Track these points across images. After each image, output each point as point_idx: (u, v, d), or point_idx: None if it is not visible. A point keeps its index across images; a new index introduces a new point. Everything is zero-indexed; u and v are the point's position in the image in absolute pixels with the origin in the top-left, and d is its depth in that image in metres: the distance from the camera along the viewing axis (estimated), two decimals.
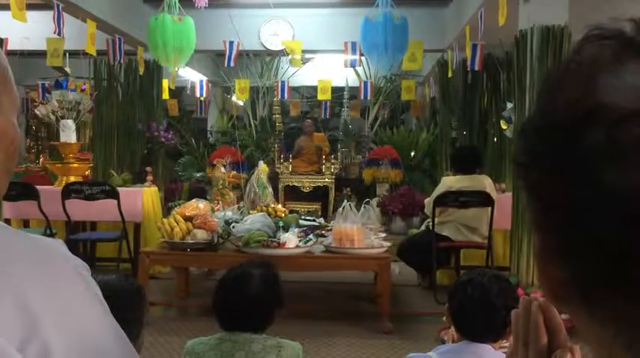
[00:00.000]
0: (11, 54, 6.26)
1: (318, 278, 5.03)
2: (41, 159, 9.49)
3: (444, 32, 7.32)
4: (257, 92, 10.41)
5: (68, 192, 4.82)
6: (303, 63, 8.29)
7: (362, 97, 8.48)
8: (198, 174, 9.04)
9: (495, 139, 6.54)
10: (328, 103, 9.32)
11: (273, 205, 4.57)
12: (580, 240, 0.37)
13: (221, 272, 2.13)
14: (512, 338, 0.56)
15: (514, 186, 4.59)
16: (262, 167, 4.98)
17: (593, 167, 0.35)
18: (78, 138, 5.77)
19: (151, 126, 6.76)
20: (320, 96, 8.20)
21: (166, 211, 5.46)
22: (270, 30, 7.63)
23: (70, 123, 5.51)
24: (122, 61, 6.66)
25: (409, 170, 8.50)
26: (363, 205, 4.38)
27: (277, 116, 8.91)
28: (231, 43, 6.81)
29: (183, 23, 5.52)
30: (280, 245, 3.79)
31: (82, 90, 6.19)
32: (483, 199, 4.57)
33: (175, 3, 5.50)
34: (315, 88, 8.44)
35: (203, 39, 6.18)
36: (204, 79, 9.31)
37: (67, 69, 6.23)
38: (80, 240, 5.27)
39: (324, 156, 8.48)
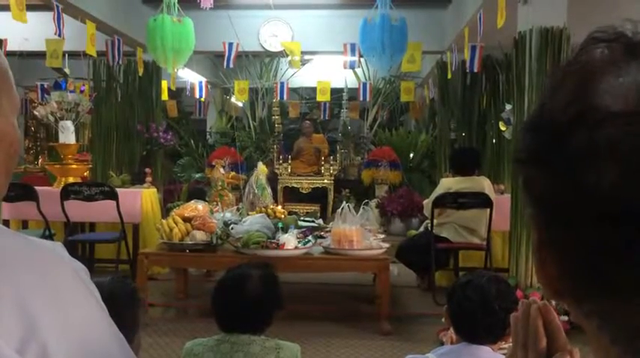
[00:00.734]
0: (10, 54, 6.25)
1: (317, 279, 5.03)
2: (40, 160, 9.50)
3: (443, 34, 7.33)
4: (256, 93, 10.42)
5: (67, 193, 4.81)
6: (303, 64, 8.29)
7: (361, 99, 8.48)
8: (197, 175, 9.03)
9: (494, 141, 6.55)
10: (327, 104, 9.32)
11: (272, 206, 4.57)
12: (565, 237, 0.39)
13: (220, 274, 2.14)
14: (512, 341, 0.57)
15: (513, 188, 4.60)
16: (261, 168, 4.98)
17: (575, 167, 0.37)
18: (77, 139, 5.77)
19: (150, 127, 6.76)
20: (319, 98, 8.20)
21: (165, 212, 5.46)
22: (269, 31, 7.63)
23: (69, 124, 5.51)
24: (121, 62, 6.66)
25: (408, 171, 8.51)
26: (362, 206, 4.37)
27: (276, 117, 8.91)
28: (230, 44, 6.81)
29: (183, 24, 5.52)
30: (279, 246, 3.79)
31: (81, 91, 6.19)
32: (482, 201, 4.58)
33: (174, 4, 5.50)
34: (314, 89, 8.45)
35: (202, 40, 6.18)
36: (204, 80, 9.31)
37: (66, 70, 6.22)
38: (79, 241, 5.27)
39: (323, 158, 8.48)
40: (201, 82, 8.94)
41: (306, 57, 8.54)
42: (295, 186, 8.31)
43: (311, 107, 11.07)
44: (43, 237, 4.62)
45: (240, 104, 10.27)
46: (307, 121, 9.41)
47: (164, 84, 7.37)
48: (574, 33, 4.11)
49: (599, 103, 0.36)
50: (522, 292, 4.00)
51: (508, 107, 5.22)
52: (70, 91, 5.74)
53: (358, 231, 3.91)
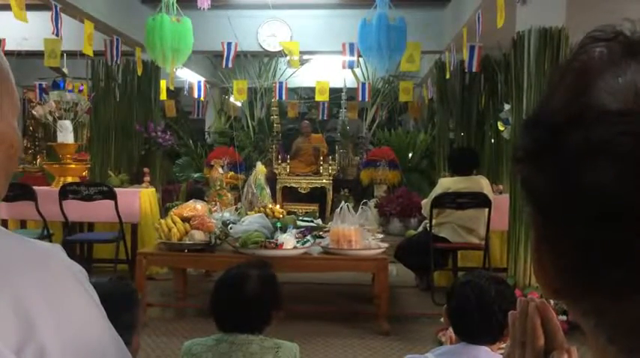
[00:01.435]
0: (9, 54, 6.24)
1: (316, 279, 5.03)
2: (38, 160, 9.48)
3: (441, 34, 7.33)
4: (255, 93, 10.42)
5: (65, 192, 4.81)
6: (301, 64, 8.29)
7: (360, 99, 8.48)
8: (195, 175, 9.03)
9: (493, 141, 6.56)
10: (326, 104, 9.33)
11: (270, 206, 4.56)
12: (562, 235, 0.39)
13: (219, 273, 2.13)
14: (510, 340, 0.57)
15: (511, 187, 4.60)
16: (260, 168, 4.98)
17: (572, 166, 0.37)
18: (75, 139, 5.77)
19: (148, 126, 6.76)
20: (318, 98, 8.20)
21: (164, 212, 5.45)
22: (268, 31, 7.63)
23: (67, 124, 5.51)
24: (120, 62, 6.66)
25: (407, 171, 8.52)
26: (360, 206, 4.38)
27: (275, 117, 8.92)
28: (229, 43, 6.81)
29: (181, 24, 5.52)
30: (278, 246, 3.79)
31: (80, 91, 6.19)
32: (481, 200, 4.58)
33: (173, 4, 5.49)
34: (312, 89, 8.45)
35: (201, 40, 6.18)
36: (202, 79, 9.31)
37: (65, 69, 6.23)
38: (77, 241, 5.26)
39: (321, 158, 8.49)
40: (199, 82, 8.93)
41: (305, 57, 8.54)
42: (294, 185, 8.31)
43: (310, 107, 11.07)
44: (42, 236, 4.61)
45: (238, 104, 10.27)
46: (306, 121, 9.42)
47: (163, 83, 7.36)
48: (572, 33, 4.11)
49: (597, 102, 0.37)
50: (521, 292, 4.00)
51: (506, 107, 5.22)
52: (69, 91, 5.74)
53: (357, 231, 3.91)
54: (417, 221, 6.91)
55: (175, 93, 9.21)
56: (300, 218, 4.77)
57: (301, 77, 10.00)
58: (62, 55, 5.95)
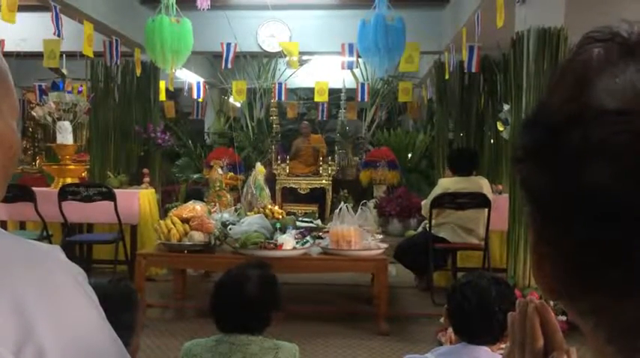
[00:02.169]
0: (8, 55, 6.24)
1: (316, 279, 5.03)
2: (38, 161, 9.47)
3: (440, 34, 7.34)
4: (254, 94, 10.42)
5: (65, 193, 4.81)
6: (301, 64, 8.29)
7: (359, 99, 8.49)
8: (195, 176, 9.03)
9: (492, 141, 6.55)
10: (325, 105, 9.33)
11: (270, 207, 4.57)
12: (561, 235, 0.39)
13: (218, 274, 2.14)
14: (509, 340, 0.57)
15: (511, 188, 4.60)
16: (259, 169, 4.98)
17: (571, 165, 0.37)
18: (74, 140, 5.76)
19: (147, 127, 6.76)
20: (317, 98, 8.20)
21: (163, 213, 5.45)
22: (267, 32, 7.63)
23: (66, 125, 5.50)
24: (119, 63, 6.66)
25: (406, 172, 8.52)
26: (360, 207, 4.38)
27: (274, 118, 8.91)
28: (228, 44, 6.81)
29: (181, 25, 5.51)
30: (277, 246, 3.79)
31: (79, 92, 6.19)
32: (480, 201, 4.58)
33: (173, 4, 5.49)
34: (312, 90, 8.45)
35: (200, 40, 6.17)
36: (202, 80, 9.30)
37: (64, 70, 6.22)
38: (76, 242, 5.26)
39: (321, 158, 8.49)
40: (199, 83, 8.93)
41: (304, 57, 8.55)
42: (293, 186, 8.31)
43: (309, 107, 11.08)
44: (41, 237, 4.61)
45: (238, 105, 10.27)
46: (305, 122, 9.42)
47: (162, 84, 7.36)
48: (572, 33, 4.11)
49: (596, 102, 0.37)
50: (520, 292, 4.00)
51: (506, 107, 5.22)
52: (68, 92, 5.74)
53: (356, 232, 3.91)
54: (417, 221, 6.92)
55: (175, 94, 9.21)
56: (300, 218, 4.77)
57: (300, 78, 10.00)
58: (61, 56, 5.95)
